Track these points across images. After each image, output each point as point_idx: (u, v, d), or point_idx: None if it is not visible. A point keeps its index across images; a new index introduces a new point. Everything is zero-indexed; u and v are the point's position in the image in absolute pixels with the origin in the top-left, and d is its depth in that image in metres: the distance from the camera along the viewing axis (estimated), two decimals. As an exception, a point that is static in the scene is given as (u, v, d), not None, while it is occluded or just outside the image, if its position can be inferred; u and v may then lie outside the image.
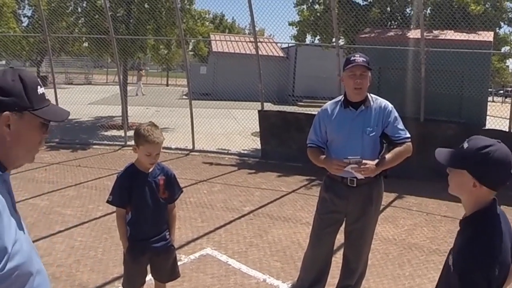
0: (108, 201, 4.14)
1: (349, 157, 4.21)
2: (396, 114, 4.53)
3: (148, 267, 4.30)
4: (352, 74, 4.36)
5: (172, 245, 4.31)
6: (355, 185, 4.45)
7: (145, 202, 4.04)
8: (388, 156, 4.34)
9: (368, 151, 4.34)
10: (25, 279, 1.80)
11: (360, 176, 4.29)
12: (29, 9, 25.84)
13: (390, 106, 4.54)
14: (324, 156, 4.57)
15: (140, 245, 4.11)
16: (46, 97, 1.92)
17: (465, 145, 2.38)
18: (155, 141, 3.93)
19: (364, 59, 4.37)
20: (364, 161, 4.19)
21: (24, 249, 1.80)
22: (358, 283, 4.94)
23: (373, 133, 4.41)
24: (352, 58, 4.40)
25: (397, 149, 4.40)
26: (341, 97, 4.62)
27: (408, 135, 4.50)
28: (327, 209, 4.66)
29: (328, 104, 4.69)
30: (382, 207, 8.20)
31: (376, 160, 4.30)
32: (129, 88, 18.31)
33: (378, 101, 4.55)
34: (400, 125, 4.51)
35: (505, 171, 2.30)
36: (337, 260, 5.19)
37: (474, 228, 2.34)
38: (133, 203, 4.06)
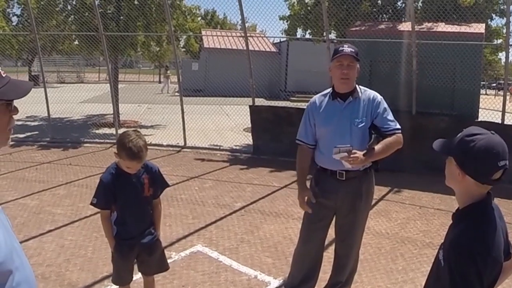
0: (92, 204, 4.10)
1: (339, 146, 4.13)
2: (386, 105, 4.45)
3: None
4: (339, 64, 4.29)
5: (158, 239, 4.28)
6: (344, 178, 4.38)
7: (130, 202, 4.02)
8: (377, 147, 4.25)
9: (357, 142, 4.26)
10: (4, 278, 1.73)
11: (348, 165, 4.21)
12: (18, 8, 25.73)
13: (379, 97, 4.46)
14: (301, 181, 4.61)
15: (127, 243, 4.08)
16: (4, 75, 1.82)
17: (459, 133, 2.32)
18: (136, 161, 3.89)
19: (353, 50, 4.29)
20: (353, 151, 4.12)
21: (2, 247, 1.73)
22: (349, 279, 4.88)
23: (362, 124, 4.33)
24: (341, 48, 4.32)
25: (386, 140, 4.32)
26: (329, 90, 4.55)
27: (398, 126, 4.42)
28: (317, 203, 4.59)
29: (317, 97, 4.63)
30: (374, 200, 8.17)
31: (365, 151, 4.22)
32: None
33: (366, 92, 4.48)
34: (390, 116, 4.42)
35: (487, 162, 2.21)
36: (329, 255, 5.11)
37: (467, 222, 2.26)
38: (118, 204, 4.03)
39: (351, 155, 4.08)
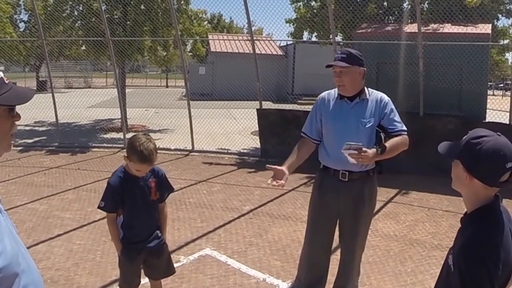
0: (100, 207, 4.10)
1: (350, 142, 4.10)
2: (393, 106, 4.45)
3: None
4: (334, 72, 4.36)
5: (164, 243, 4.29)
6: (346, 179, 4.37)
7: (137, 206, 4.03)
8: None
9: (364, 143, 4.24)
10: (11, 281, 1.74)
11: (353, 161, 4.13)
12: (26, 14, 25.89)
13: (386, 98, 4.46)
14: (289, 162, 4.45)
15: (134, 246, 4.10)
16: (6, 81, 1.84)
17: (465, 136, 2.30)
18: (147, 164, 3.91)
19: (344, 55, 4.31)
20: (364, 149, 4.09)
21: (8, 251, 1.74)
22: (352, 283, 4.83)
23: (369, 125, 4.32)
24: (336, 55, 4.40)
25: (393, 139, 4.29)
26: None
27: (405, 127, 4.40)
28: (319, 204, 4.59)
29: (326, 93, 4.65)
30: (383, 203, 8.17)
31: (373, 150, 4.18)
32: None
33: (374, 94, 4.48)
34: (396, 117, 4.41)
35: (494, 164, 2.18)
36: (338, 257, 5.10)
37: (476, 226, 2.24)
38: (125, 207, 4.04)
39: (362, 154, 4.04)
